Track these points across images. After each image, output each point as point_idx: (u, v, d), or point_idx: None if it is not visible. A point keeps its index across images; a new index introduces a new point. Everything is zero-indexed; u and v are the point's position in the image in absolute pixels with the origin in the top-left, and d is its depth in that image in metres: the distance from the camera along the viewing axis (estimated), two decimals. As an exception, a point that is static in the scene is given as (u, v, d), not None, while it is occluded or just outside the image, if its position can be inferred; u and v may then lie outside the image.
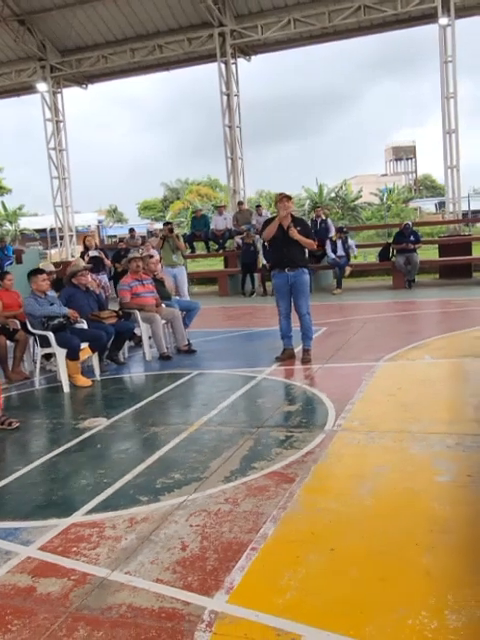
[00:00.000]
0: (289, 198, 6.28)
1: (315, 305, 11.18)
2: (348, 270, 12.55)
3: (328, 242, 12.74)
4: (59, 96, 18.14)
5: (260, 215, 14.70)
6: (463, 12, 14.30)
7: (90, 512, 3.32)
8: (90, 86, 18.55)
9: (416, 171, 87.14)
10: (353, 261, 13.40)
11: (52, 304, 6.31)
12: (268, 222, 6.52)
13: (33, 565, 2.82)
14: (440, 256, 13.94)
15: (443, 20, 13.62)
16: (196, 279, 16.60)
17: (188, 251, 15.78)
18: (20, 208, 49.31)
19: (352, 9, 14.27)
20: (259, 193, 52.65)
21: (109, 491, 3.57)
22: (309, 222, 14.24)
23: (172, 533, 3.01)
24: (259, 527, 2.98)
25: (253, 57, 16.78)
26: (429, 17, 14.45)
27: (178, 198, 57.24)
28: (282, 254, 6.31)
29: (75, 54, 17.22)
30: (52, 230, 24.90)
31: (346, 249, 12.53)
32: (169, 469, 3.83)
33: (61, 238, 18.58)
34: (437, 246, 14.28)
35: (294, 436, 4.25)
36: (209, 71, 16.61)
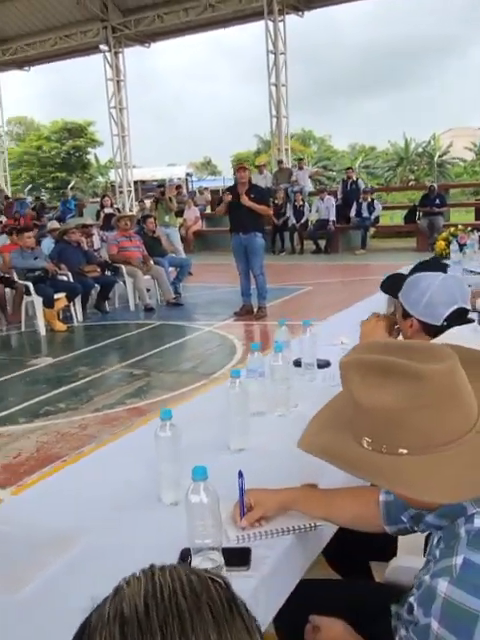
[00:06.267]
0: (245, 168, 6.89)
1: (326, 265, 11.60)
2: (372, 231, 12.72)
3: (355, 203, 12.89)
4: (120, 56, 18.90)
5: (301, 169, 14.93)
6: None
7: (-23, 427, 4.18)
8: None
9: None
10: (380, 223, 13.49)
11: (36, 258, 7.21)
12: (229, 188, 7.14)
13: None
14: (476, 219, 13.69)
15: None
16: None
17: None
18: (111, 161, 51.32)
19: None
20: (352, 146, 51.42)
21: (3, 413, 4.41)
22: (341, 183, 14.45)
23: (18, 446, 3.80)
24: (83, 446, 3.70)
25: (307, 12, 16.72)
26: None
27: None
28: (237, 219, 6.85)
29: (135, 14, 17.84)
30: (142, 182, 26.49)
31: (371, 211, 12.66)
32: (62, 400, 4.62)
33: (120, 193, 19.67)
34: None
35: (182, 380, 4.90)
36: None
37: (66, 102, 72.01)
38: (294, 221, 13.39)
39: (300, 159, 16.36)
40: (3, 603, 1.12)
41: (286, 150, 16.39)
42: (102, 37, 18.44)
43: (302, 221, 13.40)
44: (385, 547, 1.54)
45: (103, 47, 18.40)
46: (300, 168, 14.99)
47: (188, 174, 48.35)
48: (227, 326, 6.80)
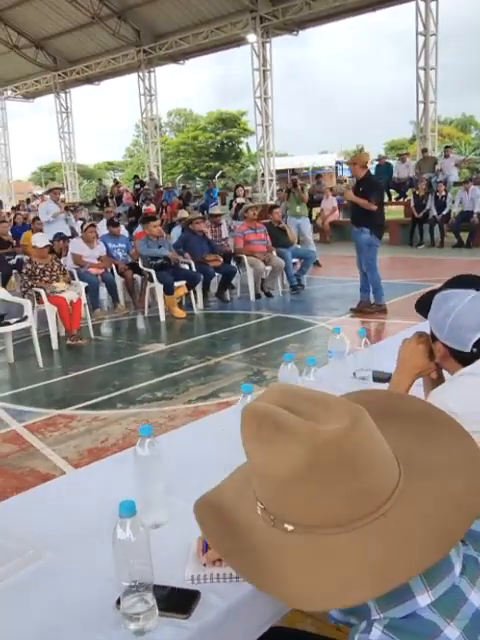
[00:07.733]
0: (352, 163, 6.69)
1: (466, 260, 10.82)
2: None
3: None
4: (267, 45, 18.91)
5: (447, 157, 14.04)
6: None
7: (78, 409, 4.39)
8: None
9: None
10: None
11: (160, 247, 7.43)
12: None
13: (10, 434, 3.98)
14: None
15: None
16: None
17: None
18: (261, 149, 51.96)
19: None
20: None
21: (105, 397, 4.59)
22: None
23: (108, 430, 3.92)
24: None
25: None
26: None
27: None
28: (351, 213, 6.66)
29: (283, 2, 17.74)
30: (292, 171, 26.90)
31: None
32: (160, 388, 4.71)
33: (263, 182, 19.84)
34: None
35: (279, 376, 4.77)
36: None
37: (222, 93, 74.04)
38: (435, 213, 12.64)
39: (448, 147, 15.40)
40: None
41: (433, 137, 15.50)
42: (251, 27, 18.57)
43: (444, 213, 12.61)
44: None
45: (251, 37, 18.52)
46: (446, 156, 14.09)
47: (338, 162, 47.61)
48: (341, 322, 6.53)
